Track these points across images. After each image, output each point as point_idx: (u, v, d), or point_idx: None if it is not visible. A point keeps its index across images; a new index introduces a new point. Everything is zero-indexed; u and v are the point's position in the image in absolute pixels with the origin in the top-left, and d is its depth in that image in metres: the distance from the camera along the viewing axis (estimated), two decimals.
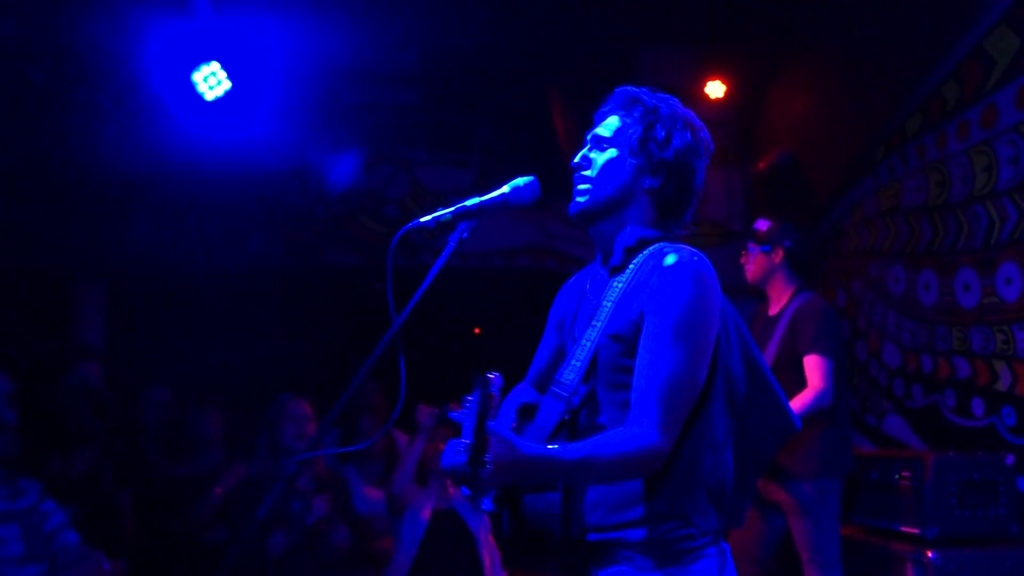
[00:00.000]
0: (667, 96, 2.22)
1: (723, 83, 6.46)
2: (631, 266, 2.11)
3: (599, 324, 2.09)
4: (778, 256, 4.41)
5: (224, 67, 5.59)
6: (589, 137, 2.23)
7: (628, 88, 2.23)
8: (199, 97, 5.57)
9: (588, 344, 2.10)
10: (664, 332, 1.98)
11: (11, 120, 4.96)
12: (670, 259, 2.03)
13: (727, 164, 6.82)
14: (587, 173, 2.17)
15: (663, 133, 2.14)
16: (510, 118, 6.71)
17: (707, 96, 6.46)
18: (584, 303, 2.24)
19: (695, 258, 2.04)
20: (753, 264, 4.45)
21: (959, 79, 4.48)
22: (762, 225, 4.47)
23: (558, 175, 2.49)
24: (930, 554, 3.68)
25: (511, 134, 6.81)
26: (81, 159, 5.32)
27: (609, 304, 2.09)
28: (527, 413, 2.19)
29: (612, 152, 2.16)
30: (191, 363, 6.09)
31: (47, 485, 3.13)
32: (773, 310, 4.43)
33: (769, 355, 4.32)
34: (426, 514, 4.49)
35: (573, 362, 2.12)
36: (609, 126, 2.20)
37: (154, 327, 6.49)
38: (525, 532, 2.05)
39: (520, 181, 2.12)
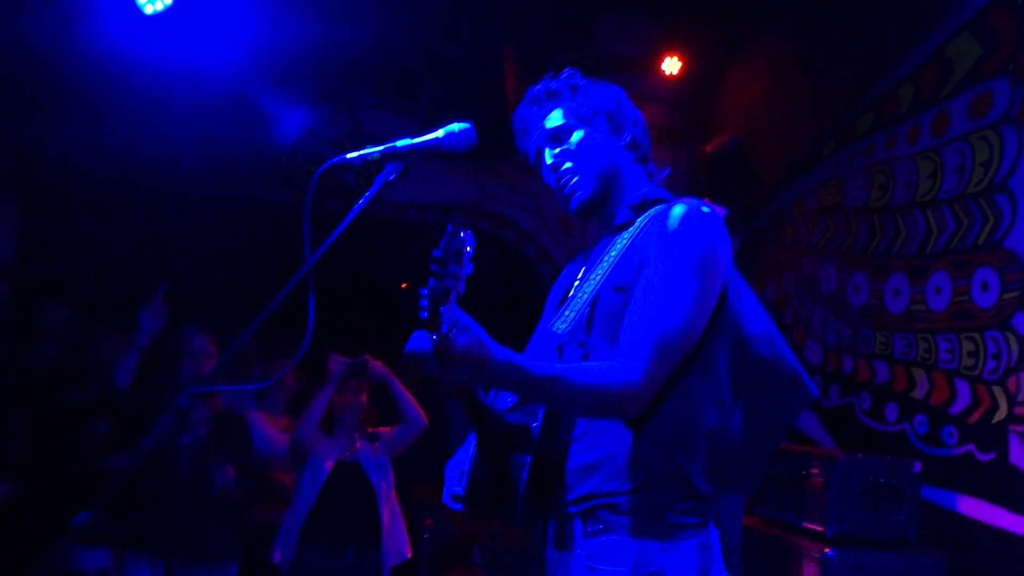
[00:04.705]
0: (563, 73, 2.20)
1: (680, 60, 6.35)
2: (637, 222, 2.03)
3: (599, 276, 2.00)
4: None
5: None
6: (539, 147, 2.17)
7: (537, 88, 2.18)
8: (138, 9, 5.32)
9: (584, 296, 2.00)
10: (662, 274, 1.89)
11: None
12: (678, 209, 1.95)
13: (672, 144, 6.71)
14: (568, 165, 2.09)
15: (595, 92, 2.15)
16: (462, 71, 6.50)
17: (662, 72, 6.34)
18: (586, 269, 2.14)
19: (705, 208, 1.97)
20: None
21: (916, 82, 4.43)
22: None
23: (504, 135, 2.35)
24: (827, 551, 3.68)
25: (460, 88, 6.60)
26: (4, 58, 5.02)
27: (613, 255, 2.01)
28: None
29: (579, 133, 2.10)
30: (102, 285, 5.83)
31: None
32: None
33: None
34: (329, 464, 4.39)
35: (567, 313, 2.01)
36: (554, 118, 2.13)
37: (70, 243, 6.19)
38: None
39: (456, 127, 1.96)
